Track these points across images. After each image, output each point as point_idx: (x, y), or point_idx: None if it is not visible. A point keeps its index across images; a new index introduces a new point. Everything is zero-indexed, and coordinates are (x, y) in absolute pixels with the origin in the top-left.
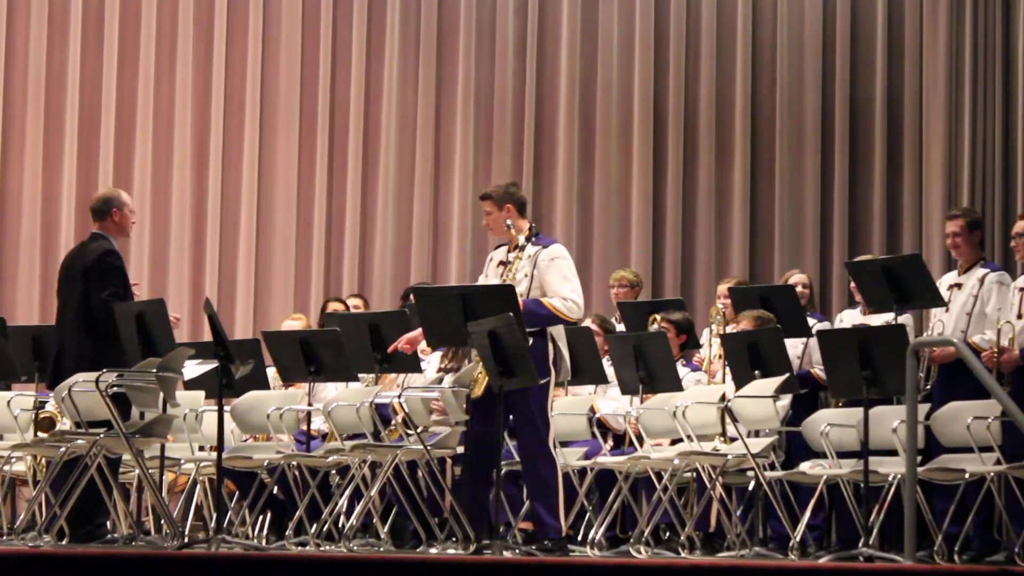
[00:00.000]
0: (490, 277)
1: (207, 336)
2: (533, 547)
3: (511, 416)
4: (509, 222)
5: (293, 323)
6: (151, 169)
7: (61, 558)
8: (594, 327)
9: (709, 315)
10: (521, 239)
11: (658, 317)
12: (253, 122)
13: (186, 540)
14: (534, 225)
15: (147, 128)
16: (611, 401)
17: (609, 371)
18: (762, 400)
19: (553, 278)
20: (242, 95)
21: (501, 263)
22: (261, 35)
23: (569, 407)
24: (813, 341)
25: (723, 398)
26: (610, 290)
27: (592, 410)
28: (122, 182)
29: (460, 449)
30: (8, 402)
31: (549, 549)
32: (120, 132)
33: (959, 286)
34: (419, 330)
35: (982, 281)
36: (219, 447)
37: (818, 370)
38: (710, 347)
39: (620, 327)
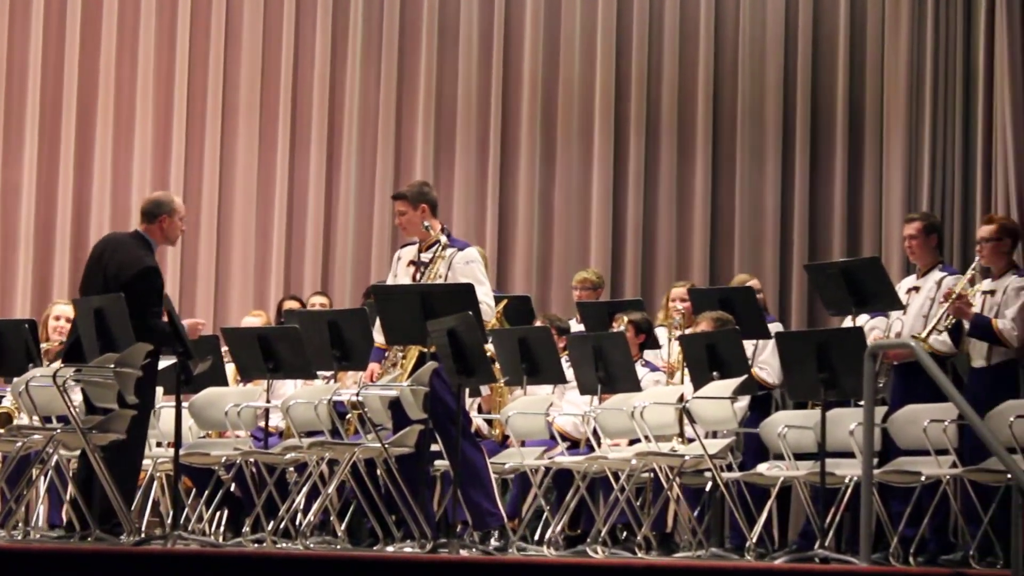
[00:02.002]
0: (400, 277)
1: None
2: (490, 547)
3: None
4: (427, 223)
5: (253, 320)
6: (111, 163)
7: (15, 553)
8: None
9: (659, 317)
10: (443, 239)
11: (626, 319)
12: (215, 118)
13: (142, 536)
14: (445, 226)
15: (108, 123)
16: (568, 412)
17: (568, 372)
18: (720, 401)
19: (467, 280)
20: (204, 90)
21: (412, 263)
22: (224, 30)
23: (527, 407)
24: (763, 343)
25: (681, 399)
26: (572, 291)
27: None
28: (82, 176)
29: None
30: None
31: (501, 547)
32: (81, 126)
33: (917, 289)
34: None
35: (939, 284)
36: (176, 443)
37: (758, 370)
38: (669, 347)
39: (580, 327)
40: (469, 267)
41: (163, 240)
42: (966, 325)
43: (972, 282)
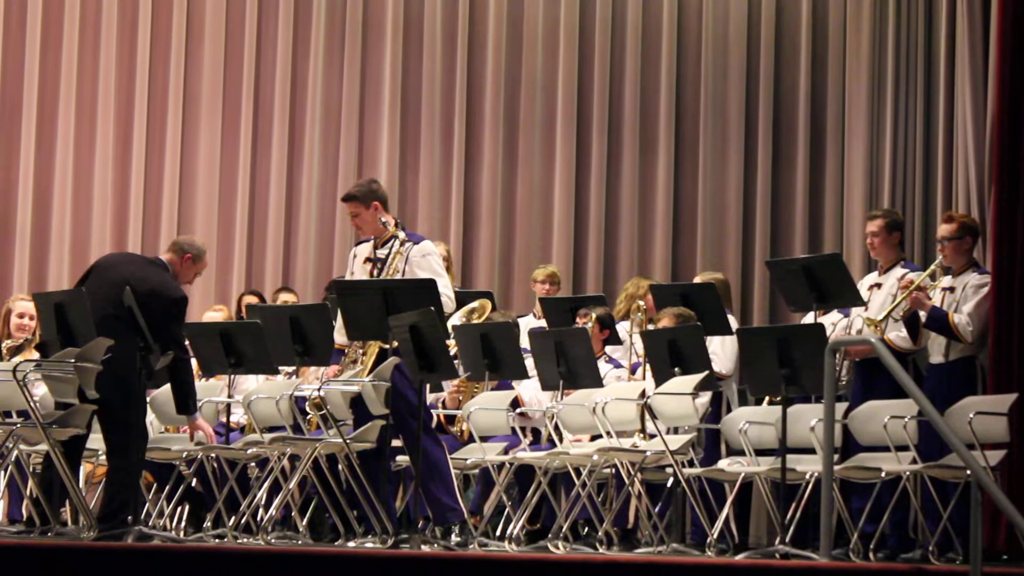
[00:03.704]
0: (357, 274)
1: None
2: (451, 542)
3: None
4: (384, 220)
5: (214, 314)
6: (73, 157)
7: None
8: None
9: (618, 309)
10: (402, 235)
11: (593, 315)
12: (176, 112)
13: (102, 531)
14: (399, 220)
15: (69, 115)
16: (531, 385)
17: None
18: (681, 397)
19: (425, 273)
20: (165, 84)
21: (368, 259)
22: (185, 24)
23: (489, 402)
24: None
25: (643, 395)
26: (541, 285)
27: (515, 403)
28: (44, 169)
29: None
30: None
31: (462, 542)
32: (42, 119)
33: (879, 286)
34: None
35: (899, 281)
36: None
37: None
38: (631, 342)
39: (541, 323)
40: (426, 260)
41: (175, 275)
42: (923, 317)
43: (933, 277)
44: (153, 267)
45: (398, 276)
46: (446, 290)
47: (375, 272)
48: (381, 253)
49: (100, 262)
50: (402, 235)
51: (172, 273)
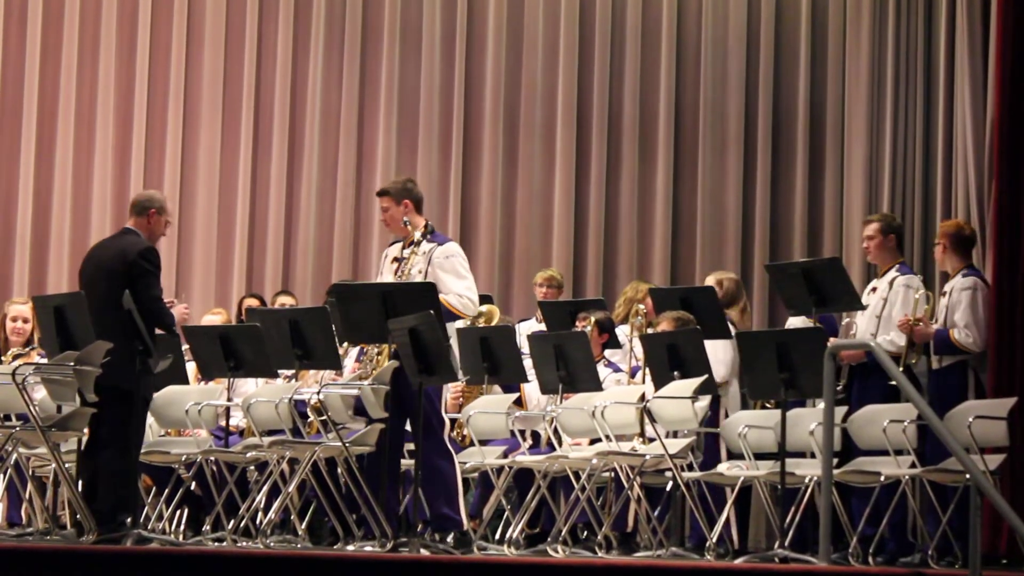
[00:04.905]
0: (385, 274)
1: None
2: (439, 544)
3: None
4: (406, 219)
5: (214, 318)
6: (72, 161)
7: None
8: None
9: (618, 313)
10: (417, 235)
11: (592, 319)
12: (176, 117)
13: (101, 534)
14: (430, 222)
15: (69, 119)
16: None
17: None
18: (681, 401)
19: (448, 275)
20: (165, 89)
21: (395, 260)
22: (185, 29)
23: (488, 405)
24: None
25: (642, 398)
26: (539, 289)
27: (516, 402)
28: (44, 174)
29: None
30: None
31: (454, 547)
32: (42, 124)
33: (875, 289)
34: None
35: (891, 284)
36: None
37: None
38: (630, 345)
39: (541, 326)
40: (449, 261)
41: (148, 235)
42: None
43: (927, 298)
44: (120, 238)
45: (419, 277)
46: (468, 293)
47: (399, 272)
48: (406, 253)
49: (89, 264)
50: (417, 235)
51: (143, 237)
